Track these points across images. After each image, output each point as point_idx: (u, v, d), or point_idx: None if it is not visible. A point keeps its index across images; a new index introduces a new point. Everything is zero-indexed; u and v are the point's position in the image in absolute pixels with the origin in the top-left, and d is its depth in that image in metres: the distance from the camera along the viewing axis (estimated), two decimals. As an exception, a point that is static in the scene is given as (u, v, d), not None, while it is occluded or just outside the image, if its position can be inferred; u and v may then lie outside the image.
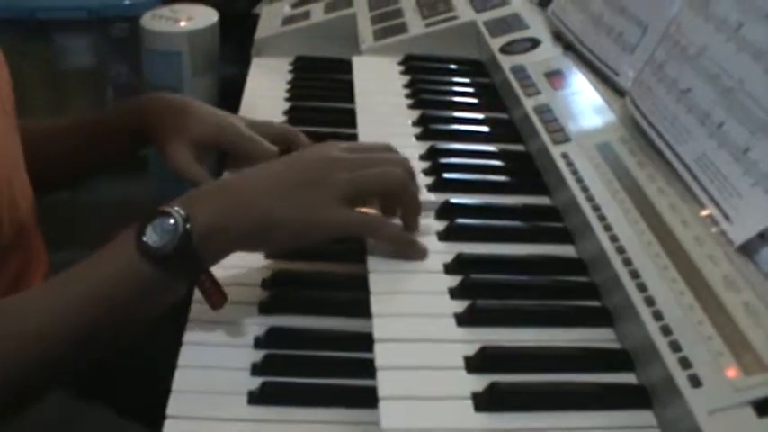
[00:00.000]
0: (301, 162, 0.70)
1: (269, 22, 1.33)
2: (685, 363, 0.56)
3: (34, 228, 0.88)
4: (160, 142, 0.88)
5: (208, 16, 1.68)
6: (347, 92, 1.09)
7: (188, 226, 0.63)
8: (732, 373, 0.53)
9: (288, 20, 1.31)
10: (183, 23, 1.67)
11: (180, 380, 0.64)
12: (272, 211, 0.66)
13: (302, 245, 0.71)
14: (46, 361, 0.63)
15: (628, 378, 0.62)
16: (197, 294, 0.69)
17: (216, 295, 0.67)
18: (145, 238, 0.63)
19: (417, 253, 0.72)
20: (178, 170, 0.87)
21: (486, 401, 0.58)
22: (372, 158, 0.72)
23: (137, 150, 0.97)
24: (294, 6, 1.35)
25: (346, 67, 1.16)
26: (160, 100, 0.91)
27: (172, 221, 0.63)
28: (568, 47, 1.05)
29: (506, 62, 1.06)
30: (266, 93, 1.14)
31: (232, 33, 1.68)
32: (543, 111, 0.92)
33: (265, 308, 0.72)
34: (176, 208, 0.64)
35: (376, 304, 0.67)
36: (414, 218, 0.74)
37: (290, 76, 1.19)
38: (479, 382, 0.60)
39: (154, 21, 1.68)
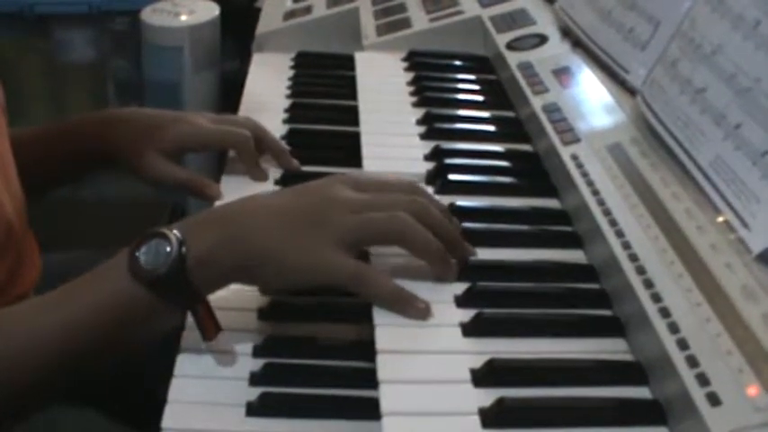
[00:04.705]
0: (305, 199, 0.67)
1: (270, 16, 1.31)
2: (703, 379, 0.53)
3: (24, 229, 0.86)
4: (129, 161, 0.89)
5: (209, 10, 1.66)
6: (350, 88, 1.07)
7: (183, 250, 0.62)
8: (753, 391, 0.51)
9: (289, 14, 1.29)
10: (183, 18, 1.66)
11: (176, 390, 0.62)
12: (266, 247, 0.64)
13: (291, 287, 0.68)
14: (36, 379, 0.62)
15: (641, 392, 0.60)
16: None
17: (209, 327, 0.65)
18: (138, 258, 0.62)
19: (417, 313, 0.64)
20: (161, 179, 0.88)
21: (494, 417, 0.56)
22: (380, 200, 0.67)
23: (93, 170, 0.97)
24: (296, 0, 1.33)
25: (349, 63, 1.14)
26: (116, 120, 0.92)
27: (167, 245, 0.62)
28: (577, 43, 1.03)
29: (513, 59, 1.04)
30: (267, 89, 1.12)
31: (233, 27, 1.66)
32: (551, 110, 0.90)
33: (265, 314, 0.70)
34: (174, 231, 0.63)
35: (377, 313, 0.65)
36: (431, 261, 0.67)
37: (291, 72, 1.17)
38: (487, 397, 0.58)
39: (154, 15, 1.67)
